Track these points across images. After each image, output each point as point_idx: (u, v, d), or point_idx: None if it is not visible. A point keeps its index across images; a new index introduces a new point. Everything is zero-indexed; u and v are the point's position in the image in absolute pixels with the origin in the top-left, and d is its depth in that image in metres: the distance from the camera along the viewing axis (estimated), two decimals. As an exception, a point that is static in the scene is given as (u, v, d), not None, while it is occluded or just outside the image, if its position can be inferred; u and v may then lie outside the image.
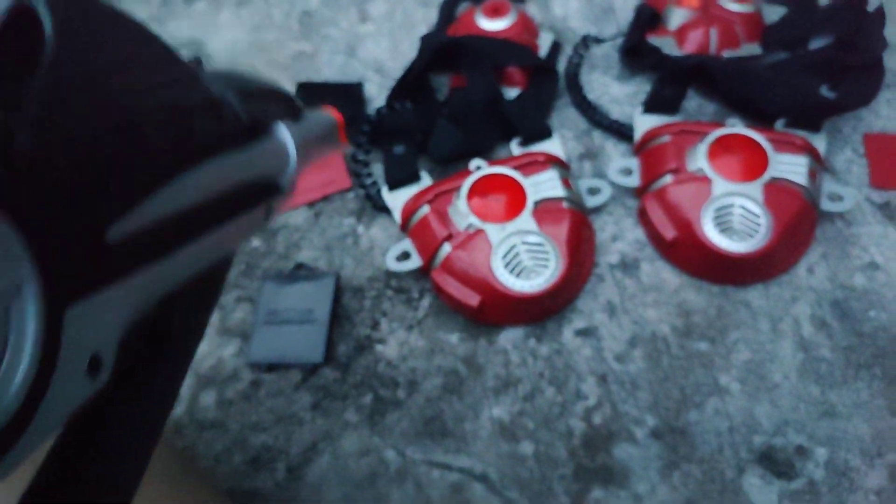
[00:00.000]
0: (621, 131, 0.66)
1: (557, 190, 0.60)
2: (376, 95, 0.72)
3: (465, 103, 0.66)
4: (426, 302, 0.60)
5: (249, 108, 0.27)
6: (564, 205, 0.59)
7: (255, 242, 0.65)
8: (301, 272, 0.62)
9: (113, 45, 0.20)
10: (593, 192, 0.63)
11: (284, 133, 0.30)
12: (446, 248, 0.58)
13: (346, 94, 0.70)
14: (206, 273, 0.25)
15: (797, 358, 0.56)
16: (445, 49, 0.68)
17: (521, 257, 0.57)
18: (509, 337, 0.58)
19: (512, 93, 0.69)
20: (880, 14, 0.67)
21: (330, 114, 0.39)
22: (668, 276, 0.60)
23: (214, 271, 0.27)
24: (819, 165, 0.61)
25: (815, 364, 0.56)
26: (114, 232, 0.18)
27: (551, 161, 0.62)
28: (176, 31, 0.81)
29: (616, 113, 0.69)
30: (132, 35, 0.21)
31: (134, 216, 0.19)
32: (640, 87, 0.70)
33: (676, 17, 0.68)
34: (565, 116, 0.69)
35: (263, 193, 0.28)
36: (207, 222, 0.24)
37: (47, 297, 0.16)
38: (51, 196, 0.16)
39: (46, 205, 0.16)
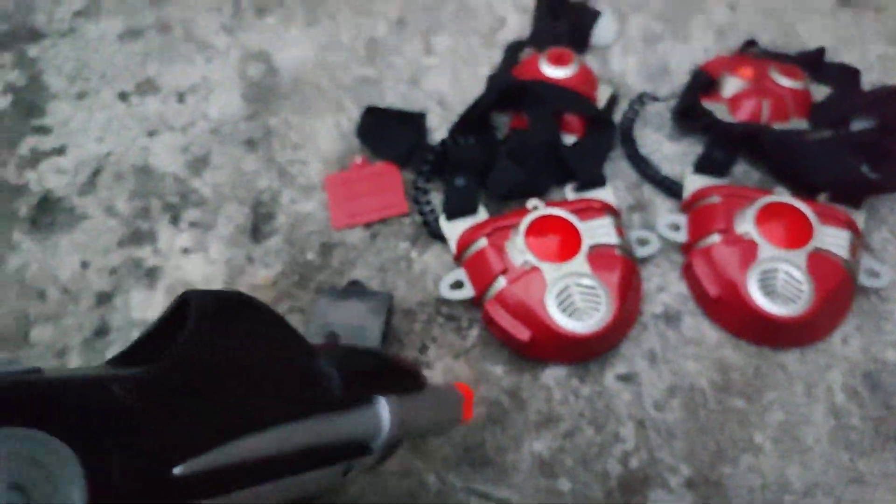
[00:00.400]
0: (671, 188, 0.69)
1: (611, 237, 0.62)
2: (437, 126, 0.75)
3: (525, 144, 0.68)
4: (475, 332, 0.62)
5: (355, 381, 0.31)
6: (617, 252, 0.62)
7: (310, 255, 0.67)
8: (355, 289, 0.64)
9: (244, 329, 0.28)
10: (642, 242, 0.66)
11: (383, 407, 0.34)
12: (501, 282, 0.60)
13: (410, 123, 0.73)
14: None
15: (829, 423, 0.58)
16: (511, 90, 0.70)
17: (574, 298, 0.59)
18: (553, 374, 0.60)
19: (569, 139, 0.72)
20: (923, 105, 0.70)
21: (458, 390, 0.43)
22: (709, 331, 0.63)
23: None
24: (859, 241, 0.64)
25: (846, 431, 0.58)
26: (182, 468, 0.22)
27: (606, 209, 0.64)
28: (246, 41, 0.83)
29: (666, 170, 0.71)
30: (257, 318, 0.29)
31: (203, 459, 0.23)
32: (690, 148, 0.73)
33: (731, 86, 0.72)
34: (618, 168, 0.72)
35: (345, 454, 0.31)
36: (277, 472, 0.27)
37: None
38: (128, 434, 0.20)
39: (122, 440, 0.20)
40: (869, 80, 0.78)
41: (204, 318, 0.27)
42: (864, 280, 0.63)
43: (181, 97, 0.78)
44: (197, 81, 0.79)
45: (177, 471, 0.22)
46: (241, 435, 0.25)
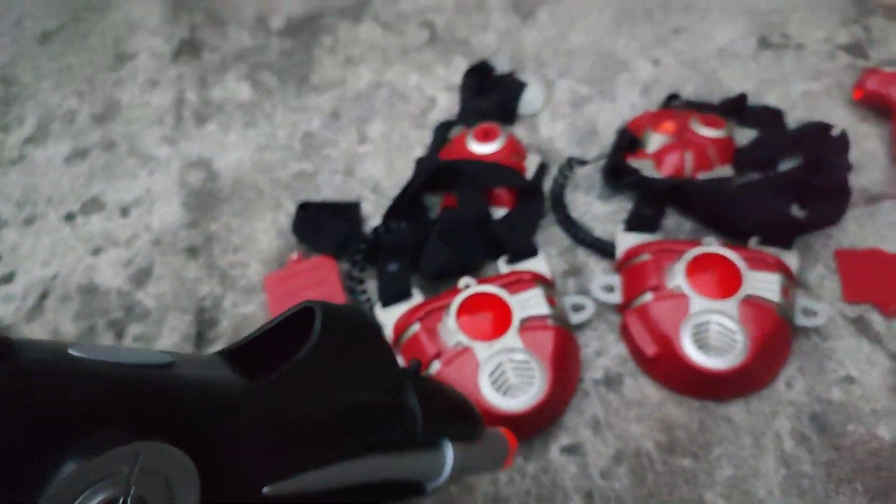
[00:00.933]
0: (603, 248, 0.70)
1: (542, 308, 0.63)
2: (372, 213, 0.76)
3: (455, 222, 0.70)
4: (417, 417, 0.62)
5: (429, 422, 0.31)
6: (549, 322, 0.62)
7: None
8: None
9: (353, 346, 0.28)
10: (577, 308, 0.66)
11: (449, 452, 0.34)
12: (435, 366, 0.61)
13: (344, 213, 0.75)
14: None
15: (780, 473, 0.57)
16: (439, 171, 0.72)
17: (508, 375, 0.59)
18: (497, 452, 0.60)
19: (500, 212, 0.73)
20: (844, 139, 0.71)
21: (507, 439, 0.43)
22: (651, 391, 0.62)
23: None
24: (791, 282, 0.64)
25: (798, 479, 0.57)
26: (270, 490, 0.23)
27: (536, 279, 0.65)
28: (187, 150, 0.86)
29: (598, 230, 0.72)
30: (368, 340, 0.29)
31: (290, 482, 0.24)
32: (621, 206, 0.74)
33: (654, 142, 0.73)
34: (550, 234, 0.73)
35: (405, 492, 0.32)
36: (346, 499, 0.27)
37: None
38: (234, 447, 0.22)
39: (229, 453, 0.22)
40: (794, 118, 0.80)
41: (330, 334, 0.27)
42: (802, 320, 0.63)
43: (125, 211, 0.80)
44: (140, 194, 0.82)
45: (266, 490, 0.23)
46: (327, 464, 0.26)
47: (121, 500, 0.18)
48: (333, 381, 0.27)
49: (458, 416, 0.36)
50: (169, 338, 0.69)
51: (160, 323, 0.70)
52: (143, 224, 0.79)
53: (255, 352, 0.27)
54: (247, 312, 0.70)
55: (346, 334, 0.28)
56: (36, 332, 0.71)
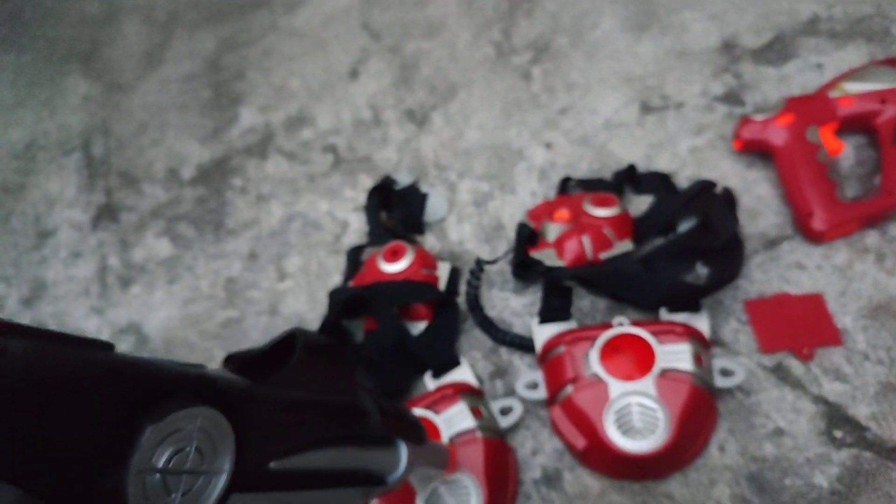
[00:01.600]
0: (523, 345, 0.71)
1: (468, 421, 0.64)
2: (299, 350, 0.78)
3: (375, 347, 0.71)
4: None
5: (385, 424, 0.41)
6: (478, 434, 0.63)
7: None
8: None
9: (324, 363, 0.37)
10: (505, 412, 0.67)
11: (403, 451, 0.43)
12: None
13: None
14: None
15: (727, 544, 0.58)
16: (351, 301, 0.74)
17: (444, 499, 0.60)
18: (450, 577, 0.60)
19: (421, 325, 0.74)
20: (728, 196, 0.74)
21: (446, 448, 0.55)
22: (591, 481, 0.63)
23: None
24: (703, 346, 0.65)
25: (745, 547, 0.57)
26: (275, 464, 0.31)
27: (460, 391, 0.66)
28: (115, 317, 0.87)
29: (518, 325, 0.74)
30: (336, 359, 0.39)
31: (287, 461, 0.32)
32: (536, 297, 0.76)
33: (552, 231, 0.76)
34: (472, 337, 0.74)
35: (368, 481, 0.40)
36: (324, 481, 0.35)
37: (231, 482, 0.27)
38: (250, 426, 0.29)
39: (254, 438, 0.29)
40: (685, 177, 0.83)
41: (306, 354, 0.36)
42: (721, 381, 0.64)
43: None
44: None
45: (272, 465, 0.31)
46: (313, 448, 0.34)
47: (186, 449, 0.25)
48: (312, 384, 0.35)
49: (407, 421, 0.45)
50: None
51: None
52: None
53: (247, 366, 0.35)
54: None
55: (319, 355, 0.37)
56: None
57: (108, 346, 0.24)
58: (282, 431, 0.32)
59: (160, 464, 0.24)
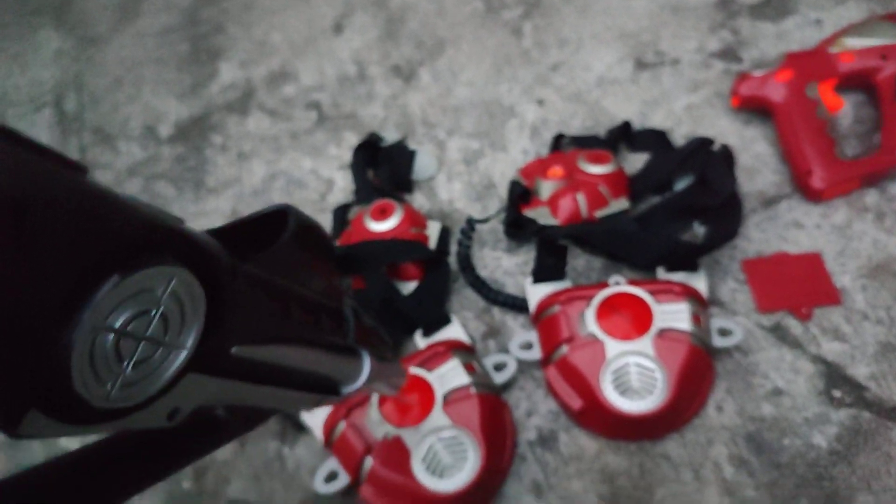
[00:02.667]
0: (516, 305, 0.69)
1: (462, 378, 0.62)
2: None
3: (364, 305, 0.68)
4: (356, 521, 0.61)
5: (358, 334, 0.38)
6: (472, 390, 0.61)
7: (186, 484, 0.65)
8: (230, 512, 0.62)
9: (311, 254, 0.34)
10: (499, 367, 0.65)
11: (367, 364, 0.40)
12: (368, 462, 0.59)
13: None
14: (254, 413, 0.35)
15: (724, 503, 0.57)
16: (339, 260, 0.71)
17: (440, 455, 0.58)
18: (443, 540, 0.58)
19: (410, 286, 0.72)
20: (726, 154, 0.72)
21: (405, 369, 0.50)
22: (587, 442, 0.62)
23: (259, 414, 0.36)
24: (701, 306, 0.64)
25: (743, 506, 0.56)
26: (237, 350, 0.27)
27: (452, 348, 0.64)
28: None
29: (510, 284, 0.72)
30: (323, 253, 0.35)
31: (251, 349, 0.28)
32: (530, 256, 0.74)
33: (546, 189, 0.73)
34: (464, 297, 0.72)
35: (325, 388, 0.38)
36: (284, 380, 0.33)
37: (189, 362, 0.24)
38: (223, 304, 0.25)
39: (226, 319, 0.26)
40: (681, 134, 0.81)
41: (297, 236, 0.32)
42: (719, 341, 0.63)
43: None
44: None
45: (234, 350, 0.27)
46: (283, 342, 0.31)
47: (151, 313, 0.22)
48: (298, 273, 0.32)
49: (376, 335, 0.43)
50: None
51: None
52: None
53: (227, 237, 0.30)
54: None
55: (309, 239, 0.34)
56: None
57: (81, 169, 0.19)
58: (257, 318, 0.29)
59: (117, 324, 0.21)
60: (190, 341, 0.24)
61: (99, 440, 0.28)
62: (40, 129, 1.07)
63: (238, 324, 0.27)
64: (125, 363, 0.21)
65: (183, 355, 0.24)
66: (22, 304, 0.18)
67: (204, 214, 0.87)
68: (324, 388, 0.38)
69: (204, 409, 0.30)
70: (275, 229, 0.32)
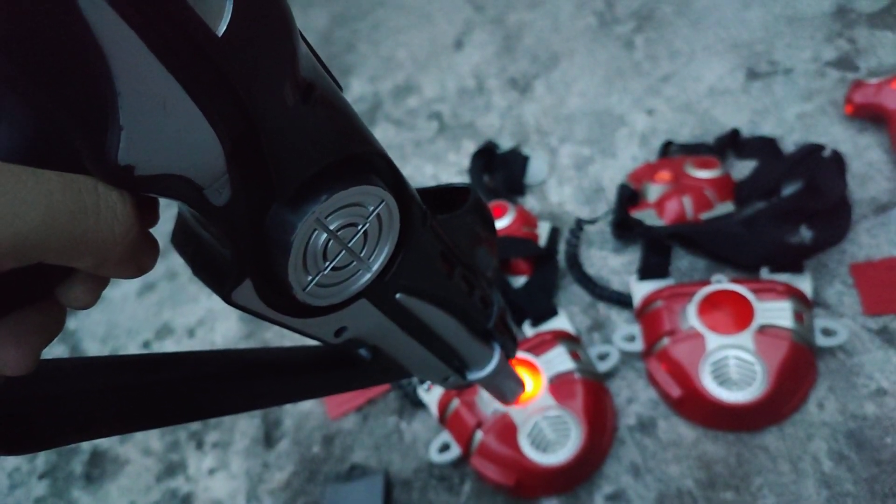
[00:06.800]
0: (621, 300, 0.74)
1: (567, 363, 0.67)
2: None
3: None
4: (467, 487, 0.67)
5: (497, 324, 0.41)
6: (576, 375, 0.66)
7: (315, 449, 0.74)
8: (355, 472, 0.70)
9: (484, 232, 0.37)
10: (602, 357, 0.70)
11: (496, 355, 0.43)
12: (479, 435, 0.65)
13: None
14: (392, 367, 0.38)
15: (822, 495, 0.59)
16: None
17: (545, 432, 0.63)
18: (546, 510, 0.63)
19: (521, 280, 0.78)
20: (837, 159, 0.74)
21: (523, 382, 0.52)
22: (685, 430, 0.65)
23: (394, 371, 0.39)
24: (805, 305, 0.66)
25: (841, 500, 0.58)
26: (401, 297, 0.31)
27: (559, 337, 0.69)
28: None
29: (616, 282, 0.76)
30: (492, 235, 0.38)
31: (411, 300, 0.32)
32: (635, 256, 0.78)
33: (653, 192, 0.77)
34: (571, 293, 0.77)
35: (456, 366, 0.41)
36: (427, 340, 0.36)
37: (368, 287, 0.28)
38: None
39: (406, 259, 0.30)
40: (792, 142, 0.82)
41: (475, 212, 0.35)
42: (822, 341, 0.65)
43: (191, 333, 0.90)
44: (203, 315, 0.91)
45: (398, 296, 0.31)
46: (438, 305, 0.34)
47: (358, 227, 0.25)
48: (468, 244, 0.35)
49: (511, 331, 0.45)
50: (241, 441, 0.77)
51: (232, 430, 0.78)
52: (209, 342, 0.87)
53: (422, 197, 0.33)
54: (306, 409, 0.77)
55: (480, 219, 0.36)
56: (130, 452, 0.80)
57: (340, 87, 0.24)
58: (427, 269, 0.32)
59: (333, 226, 0.24)
60: (377, 265, 0.27)
61: (258, 349, 0.34)
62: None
63: (412, 267, 0.30)
64: (327, 263, 0.25)
65: (367, 276, 0.27)
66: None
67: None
68: (454, 366, 0.41)
69: (355, 344, 0.34)
70: (457, 201, 0.35)
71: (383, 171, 0.26)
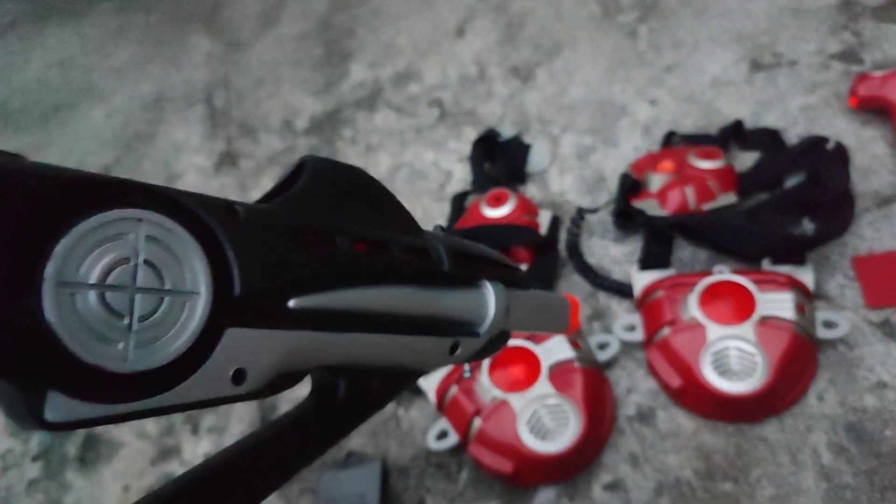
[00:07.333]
0: (621, 290, 0.73)
1: (567, 352, 0.66)
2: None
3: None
4: (465, 474, 0.66)
5: (459, 263, 0.33)
6: (576, 364, 0.66)
7: (313, 435, 0.74)
8: (352, 459, 0.69)
9: (353, 197, 0.30)
10: (602, 346, 0.70)
11: (489, 291, 0.34)
12: (477, 423, 0.65)
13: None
14: (387, 377, 0.31)
15: (821, 487, 0.59)
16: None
17: (544, 420, 0.63)
18: (544, 497, 0.63)
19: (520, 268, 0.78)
20: (840, 151, 0.73)
21: (564, 297, 0.43)
22: (684, 420, 0.65)
23: (393, 381, 0.32)
24: (806, 297, 0.65)
25: (840, 492, 0.58)
26: (295, 302, 0.25)
27: (559, 328, 0.69)
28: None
29: (617, 272, 0.76)
30: (378, 196, 0.31)
31: (314, 297, 0.26)
32: (636, 246, 0.77)
33: (656, 182, 0.77)
34: (571, 282, 0.77)
35: (450, 330, 0.33)
36: (381, 327, 0.30)
37: (213, 312, 0.22)
38: (247, 253, 0.23)
39: (246, 262, 0.23)
40: (795, 134, 0.82)
41: (317, 180, 0.28)
42: (823, 333, 0.64)
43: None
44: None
45: (292, 303, 0.25)
46: (350, 286, 0.28)
47: (132, 262, 0.20)
48: (331, 212, 0.28)
49: (490, 258, 0.37)
50: (237, 426, 0.76)
51: (228, 414, 0.77)
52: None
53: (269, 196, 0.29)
54: (303, 393, 0.76)
55: (338, 182, 0.30)
56: (125, 435, 0.79)
57: (16, 156, 0.19)
58: (298, 259, 0.26)
59: (91, 279, 0.19)
60: (202, 287, 0.22)
61: (230, 446, 0.27)
62: (193, 124, 1.20)
63: (269, 265, 0.24)
64: (126, 318, 0.20)
65: (202, 302, 0.22)
66: None
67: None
68: (449, 330, 0.33)
69: (325, 383, 0.29)
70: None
71: (113, 193, 0.20)
